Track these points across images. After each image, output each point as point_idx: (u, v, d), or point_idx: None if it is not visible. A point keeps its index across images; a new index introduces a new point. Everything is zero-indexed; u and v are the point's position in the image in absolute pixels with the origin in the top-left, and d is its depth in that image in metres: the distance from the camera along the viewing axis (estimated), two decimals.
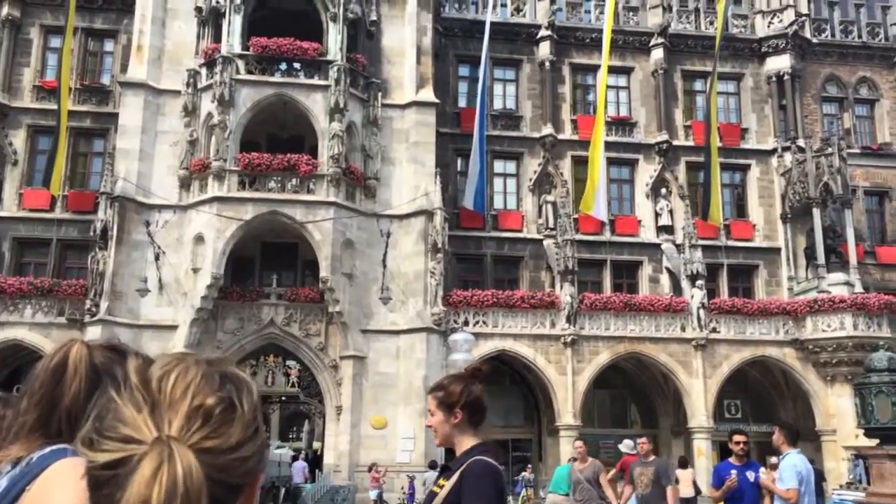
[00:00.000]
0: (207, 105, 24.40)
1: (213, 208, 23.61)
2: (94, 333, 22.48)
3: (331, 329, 24.49)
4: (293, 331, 24.47)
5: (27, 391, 1.83)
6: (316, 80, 24.73)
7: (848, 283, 27.15)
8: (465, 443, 2.76)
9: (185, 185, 24.56)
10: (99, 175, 25.94)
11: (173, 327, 23.60)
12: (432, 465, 19.23)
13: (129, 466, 0.66)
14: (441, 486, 2.72)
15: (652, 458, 7.98)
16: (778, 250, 29.42)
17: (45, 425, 1.75)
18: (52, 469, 1.66)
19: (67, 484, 1.66)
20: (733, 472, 7.59)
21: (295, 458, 26.49)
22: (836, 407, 26.00)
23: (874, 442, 8.51)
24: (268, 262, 25.90)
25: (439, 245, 25.02)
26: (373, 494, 19.53)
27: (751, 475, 7.66)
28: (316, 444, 23.98)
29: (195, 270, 23.51)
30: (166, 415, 0.71)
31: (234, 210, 23.56)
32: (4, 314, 23.72)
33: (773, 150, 30.34)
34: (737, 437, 7.84)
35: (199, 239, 23.65)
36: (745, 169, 30.71)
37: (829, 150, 28.34)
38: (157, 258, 23.50)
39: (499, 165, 29.79)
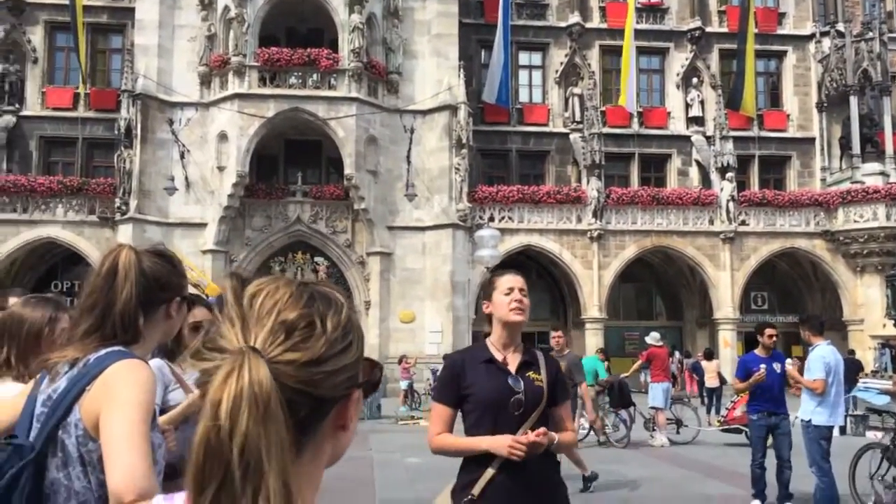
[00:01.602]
0: None
1: (234, 105, 23.36)
2: (125, 232, 22.86)
3: (357, 226, 24.62)
4: (320, 228, 24.65)
5: (81, 296, 1.86)
6: None
7: (883, 174, 26.51)
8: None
9: (205, 81, 24.25)
10: (119, 72, 25.65)
11: (202, 225, 23.87)
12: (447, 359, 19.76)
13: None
14: (539, 379, 2.72)
15: (566, 352, 7.77)
16: (812, 140, 28.65)
17: (99, 329, 1.79)
18: (112, 369, 1.69)
19: (129, 381, 1.68)
20: (762, 365, 7.60)
21: None
22: (864, 297, 25.94)
23: None
24: (292, 160, 25.81)
25: (464, 140, 24.67)
26: (403, 384, 20.14)
27: (777, 367, 7.67)
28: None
29: (220, 169, 23.53)
30: (254, 329, 0.77)
31: (256, 107, 23.30)
32: (37, 213, 24.10)
33: (811, 36, 29.04)
34: (769, 331, 7.81)
35: (223, 137, 23.55)
36: (780, 56, 29.52)
37: (870, 34, 27.10)
38: (182, 156, 23.51)
39: (524, 57, 28.91)
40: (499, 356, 2.74)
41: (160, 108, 23.93)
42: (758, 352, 7.93)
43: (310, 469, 0.80)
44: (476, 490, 2.57)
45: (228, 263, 23.82)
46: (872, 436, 11.95)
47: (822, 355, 7.31)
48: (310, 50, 23.61)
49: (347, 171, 23.51)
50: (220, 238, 23.79)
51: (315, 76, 23.62)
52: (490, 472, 2.56)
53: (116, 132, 23.84)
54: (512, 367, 2.71)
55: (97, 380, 1.69)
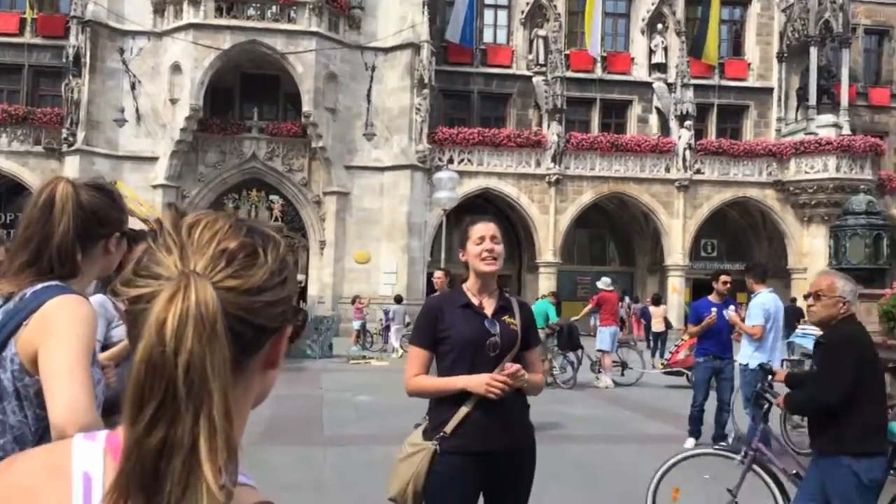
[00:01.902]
0: None
1: (188, 36, 22.60)
2: (72, 164, 22.22)
3: (314, 164, 24.31)
4: (276, 165, 24.29)
5: (18, 229, 1.82)
6: None
7: (836, 125, 26.97)
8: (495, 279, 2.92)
9: (158, 10, 23.37)
10: None
11: (153, 159, 23.33)
12: (398, 300, 19.86)
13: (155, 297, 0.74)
14: (514, 323, 2.81)
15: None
16: (770, 90, 28.91)
17: (35, 262, 1.75)
18: (52, 304, 1.66)
19: (69, 316, 1.67)
20: (713, 309, 7.83)
21: None
22: (809, 247, 26.68)
23: None
24: (248, 95, 25.20)
25: (426, 80, 24.33)
26: (356, 325, 20.21)
27: (727, 313, 7.90)
28: (300, 277, 24.52)
29: (173, 101, 22.90)
30: (193, 257, 0.77)
31: (212, 38, 22.57)
32: None
33: None
34: (724, 278, 8.04)
35: (176, 68, 22.84)
36: (745, 4, 29.50)
37: None
38: (133, 87, 22.79)
39: None
40: (475, 301, 2.81)
41: (110, 36, 23.05)
42: (711, 298, 8.15)
43: (239, 405, 0.80)
44: (449, 428, 2.66)
45: (180, 199, 23.39)
46: None
47: (763, 302, 7.57)
48: None
49: (305, 107, 23.08)
50: (172, 173, 23.30)
51: (274, 8, 22.93)
52: (464, 410, 2.64)
53: (64, 60, 22.95)
54: (488, 312, 2.80)
55: (35, 314, 1.66)
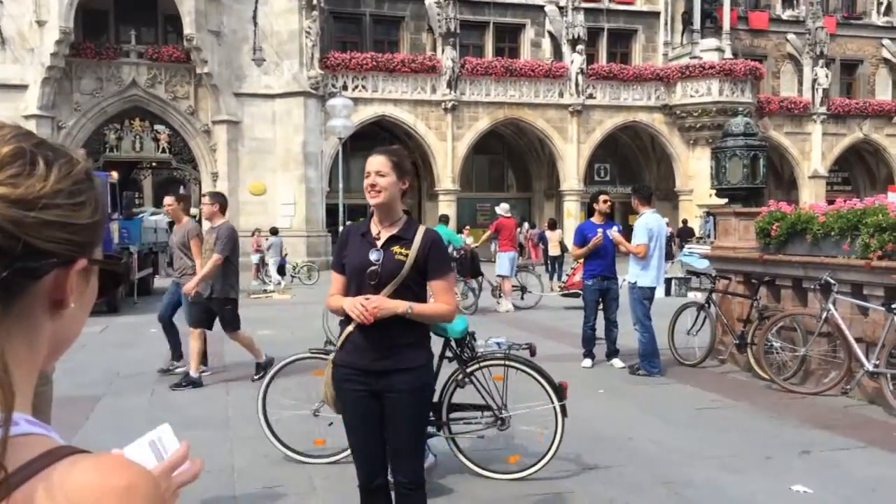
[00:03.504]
0: None
1: None
2: None
3: (200, 92, 23.17)
4: (159, 93, 22.99)
5: None
6: None
7: (719, 49, 27.92)
8: (399, 210, 2.95)
9: None
10: None
11: (22, 87, 21.61)
12: (274, 232, 19.52)
13: None
14: (403, 254, 2.88)
15: (218, 223, 7.32)
16: (657, 14, 29.48)
17: None
18: None
19: None
20: (599, 230, 8.05)
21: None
22: (695, 169, 27.88)
23: (724, 201, 9.17)
24: (124, 17, 23.54)
25: (314, 2, 23.38)
26: (255, 258, 19.70)
27: (610, 232, 8.14)
28: (193, 211, 23.61)
29: (40, 23, 21.12)
30: None
31: None
32: None
33: None
34: (603, 197, 8.24)
35: None
36: None
37: None
38: None
39: None
40: (375, 230, 2.95)
41: None
42: (593, 219, 8.35)
43: (22, 347, 0.72)
44: (338, 343, 3.00)
45: (56, 130, 21.88)
46: (693, 296, 13.18)
47: (647, 223, 7.87)
48: None
49: (187, 30, 21.82)
50: (45, 102, 21.69)
51: None
52: (349, 329, 2.92)
53: None
54: (380, 241, 2.91)
55: None
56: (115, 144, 23.34)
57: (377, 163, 2.89)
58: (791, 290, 7.48)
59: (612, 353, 8.16)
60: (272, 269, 18.61)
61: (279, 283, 17.96)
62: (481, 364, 4.51)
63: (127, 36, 22.95)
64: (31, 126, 21.22)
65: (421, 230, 2.96)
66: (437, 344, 3.56)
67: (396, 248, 2.90)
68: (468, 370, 4.48)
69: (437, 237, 3.00)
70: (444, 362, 4.44)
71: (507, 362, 4.49)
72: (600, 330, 8.20)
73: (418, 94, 25.88)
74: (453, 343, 4.49)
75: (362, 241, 2.93)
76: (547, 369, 4.58)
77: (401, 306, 2.81)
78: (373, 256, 2.88)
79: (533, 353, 4.62)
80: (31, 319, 0.73)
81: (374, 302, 2.78)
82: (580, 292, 12.96)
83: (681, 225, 25.42)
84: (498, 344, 4.65)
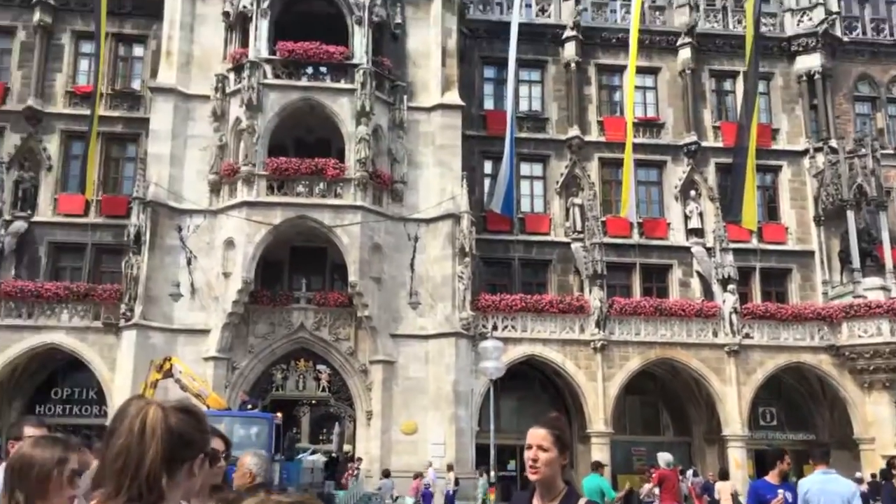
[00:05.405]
0: (236, 110, 24.55)
1: (242, 213, 23.74)
2: (128, 338, 22.74)
3: (360, 333, 24.52)
4: (323, 335, 24.54)
5: (104, 452, 1.86)
6: (342, 84, 24.80)
7: (884, 288, 26.65)
8: (559, 483, 2.86)
9: (215, 189, 24.71)
10: (131, 180, 26.15)
11: (206, 331, 23.76)
12: (386, 474, 19.33)
13: None
14: None
15: None
16: (812, 254, 28.93)
17: (126, 490, 1.77)
18: None
19: None
20: (780, 492, 7.37)
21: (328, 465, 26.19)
22: (873, 415, 25.49)
23: None
24: (297, 267, 25.98)
25: (467, 249, 24.94)
26: (409, 501, 19.43)
27: (789, 495, 7.41)
28: (347, 447, 24.00)
29: (226, 275, 23.66)
30: None
31: (263, 214, 23.67)
32: (42, 318, 24.02)
33: (805, 151, 29.84)
34: (787, 458, 7.67)
35: (230, 243, 23.79)
36: (776, 170, 30.26)
37: (863, 150, 27.85)
38: (189, 262, 23.64)
39: (525, 168, 29.59)
40: (535, 502, 2.90)
41: (170, 215, 24.27)
42: (769, 478, 7.66)
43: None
44: None
45: (230, 371, 23.57)
46: None
47: (802, 483, 7.31)
48: (317, 160, 24.22)
49: (352, 278, 23.64)
50: (223, 345, 23.63)
51: (322, 185, 24.12)
52: None
53: (126, 238, 24.07)
54: None
55: None
56: (281, 384, 24.73)
57: (539, 437, 2.82)
58: None
59: None
60: None
61: None
62: None
63: (299, 284, 25.15)
64: (208, 367, 23.08)
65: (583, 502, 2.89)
66: None
67: None
68: None
69: None
70: None
71: None
72: None
73: (567, 334, 26.06)
74: None
75: None
76: None
77: None
78: None
79: None
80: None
81: None
82: None
83: (869, 479, 22.76)
84: None
